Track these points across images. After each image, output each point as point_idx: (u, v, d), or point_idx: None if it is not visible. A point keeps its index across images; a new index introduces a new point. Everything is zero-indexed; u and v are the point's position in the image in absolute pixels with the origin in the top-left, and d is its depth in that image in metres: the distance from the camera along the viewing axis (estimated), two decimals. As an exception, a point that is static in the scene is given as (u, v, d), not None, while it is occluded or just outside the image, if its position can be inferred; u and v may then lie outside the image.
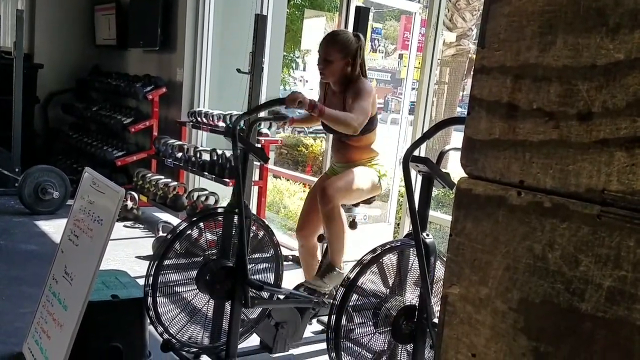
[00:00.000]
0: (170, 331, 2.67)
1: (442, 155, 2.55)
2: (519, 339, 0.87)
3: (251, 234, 2.74)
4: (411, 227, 2.14)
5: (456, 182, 1.00)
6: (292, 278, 3.31)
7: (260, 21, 3.97)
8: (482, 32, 0.94)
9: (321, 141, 9.32)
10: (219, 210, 2.89)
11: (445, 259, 1.20)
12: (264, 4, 5.07)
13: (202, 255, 2.78)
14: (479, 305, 0.93)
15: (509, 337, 0.88)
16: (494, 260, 0.91)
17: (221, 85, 5.94)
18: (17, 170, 5.63)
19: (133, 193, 5.41)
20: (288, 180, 8.00)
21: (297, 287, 3.09)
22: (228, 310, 2.69)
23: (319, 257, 3.17)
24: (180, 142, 5.45)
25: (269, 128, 3.00)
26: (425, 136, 2.33)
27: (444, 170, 2.24)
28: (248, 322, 2.88)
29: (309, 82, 23.16)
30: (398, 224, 4.82)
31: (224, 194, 5.21)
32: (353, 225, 3.04)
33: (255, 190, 4.93)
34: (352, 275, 2.35)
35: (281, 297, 2.85)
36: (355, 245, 3.34)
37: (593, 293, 0.79)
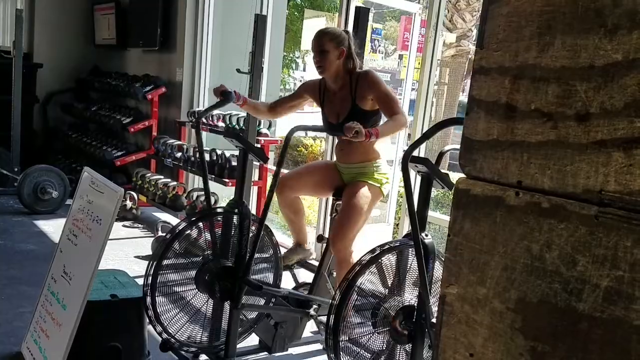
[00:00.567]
0: (169, 331, 2.67)
1: (441, 155, 2.55)
2: (516, 338, 0.88)
3: (250, 234, 2.74)
4: (410, 228, 2.15)
5: (455, 183, 1.00)
6: (291, 278, 3.31)
7: (260, 21, 3.97)
8: (480, 33, 0.94)
9: (320, 141, 9.33)
10: (219, 210, 2.89)
11: (444, 259, 1.20)
12: (263, 4, 5.07)
13: (201, 255, 2.78)
14: (476, 305, 0.93)
15: (507, 337, 0.89)
16: (491, 260, 0.91)
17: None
18: (16, 169, 5.62)
19: (132, 193, 5.41)
20: (287, 180, 7.98)
21: (296, 288, 3.09)
22: (227, 310, 2.69)
23: (303, 209, 3.17)
24: (179, 142, 5.45)
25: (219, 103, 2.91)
26: (425, 136, 2.33)
27: (443, 170, 2.24)
28: (247, 322, 2.88)
29: (308, 82, 23.10)
30: (397, 225, 4.82)
31: (223, 194, 5.21)
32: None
33: (254, 190, 4.93)
34: (351, 276, 2.35)
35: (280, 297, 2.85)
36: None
37: (590, 293, 0.79)
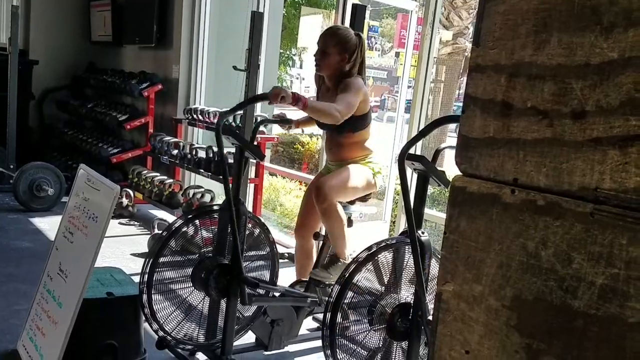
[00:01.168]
0: (166, 328, 2.67)
1: (437, 153, 2.55)
2: (512, 336, 0.88)
3: (247, 232, 2.74)
4: (406, 225, 2.15)
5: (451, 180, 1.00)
6: (288, 275, 3.32)
7: (256, 18, 3.96)
8: (477, 31, 0.94)
9: (317, 139, 9.32)
10: (215, 207, 2.89)
11: (440, 256, 1.21)
12: (260, 1, 5.06)
13: (198, 252, 2.78)
14: (472, 303, 0.93)
15: (502, 334, 0.89)
16: (487, 257, 0.91)
17: (217, 82, 5.93)
18: (11, 167, 5.61)
19: (128, 190, 5.40)
20: (284, 177, 8.00)
21: (292, 285, 3.09)
22: (223, 308, 2.69)
23: (314, 257, 3.18)
24: (176, 139, 5.44)
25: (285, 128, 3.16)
26: (421, 134, 2.33)
27: (439, 168, 2.24)
28: (243, 320, 2.88)
29: (305, 80, 23.15)
30: (394, 222, 4.83)
31: (220, 191, 5.21)
32: (349, 223, 3.05)
33: (251, 187, 4.93)
34: (347, 273, 2.35)
35: (277, 294, 2.85)
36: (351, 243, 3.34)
37: (586, 290, 0.80)
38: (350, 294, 2.36)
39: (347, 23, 4.09)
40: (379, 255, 2.37)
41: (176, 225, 2.72)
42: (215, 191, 5.03)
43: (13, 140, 5.70)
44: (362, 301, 2.39)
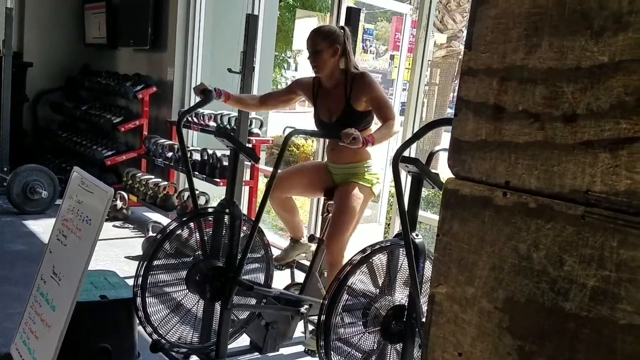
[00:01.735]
0: (160, 331, 2.67)
1: (431, 155, 2.56)
2: (504, 338, 0.88)
3: (242, 234, 2.74)
4: (401, 227, 2.15)
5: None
6: (283, 278, 3.31)
7: (251, 21, 3.97)
8: (469, 34, 0.94)
9: (312, 141, 9.32)
10: (209, 210, 2.89)
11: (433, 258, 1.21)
12: (255, 3, 5.06)
13: (192, 255, 2.77)
14: (465, 305, 0.94)
15: (495, 336, 0.89)
16: (480, 260, 0.91)
17: (212, 84, 5.89)
18: (5, 169, 5.59)
19: (123, 193, 5.39)
20: (279, 180, 7.97)
21: (287, 287, 3.09)
22: (218, 311, 2.69)
23: (298, 211, 3.19)
24: (170, 142, 5.43)
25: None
26: (415, 137, 2.34)
27: (433, 170, 2.25)
28: (238, 322, 2.88)
29: (300, 82, 23.08)
30: (388, 224, 4.84)
31: (214, 194, 5.20)
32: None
33: (246, 190, 4.93)
34: (342, 275, 2.35)
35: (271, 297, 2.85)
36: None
37: (577, 293, 0.80)
38: (344, 296, 2.36)
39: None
40: (373, 258, 2.38)
41: (170, 227, 2.71)
42: (210, 194, 5.02)
43: (7, 142, 5.68)
44: (356, 303, 2.39)
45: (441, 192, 1.01)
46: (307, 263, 3.19)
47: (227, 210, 2.70)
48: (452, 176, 0.98)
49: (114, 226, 5.16)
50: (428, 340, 1.00)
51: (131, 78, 6.08)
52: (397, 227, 3.84)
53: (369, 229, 4.89)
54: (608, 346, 0.77)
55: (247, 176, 4.91)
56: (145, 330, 2.63)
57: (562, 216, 0.82)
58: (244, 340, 2.95)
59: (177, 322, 2.73)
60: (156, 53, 5.92)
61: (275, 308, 2.82)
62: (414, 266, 2.08)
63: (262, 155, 6.40)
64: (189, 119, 5.23)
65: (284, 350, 2.97)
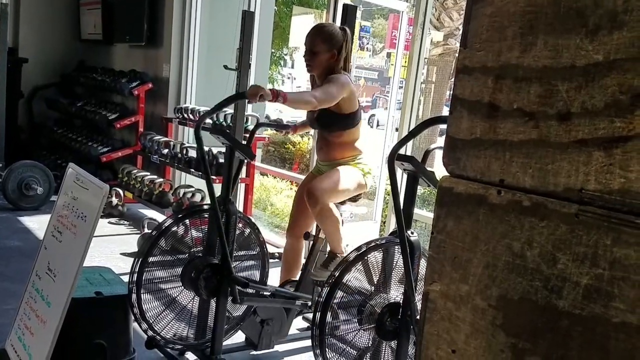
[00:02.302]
0: (155, 328, 2.67)
1: (427, 153, 2.56)
2: (497, 335, 0.88)
3: (237, 232, 2.74)
4: (396, 225, 2.16)
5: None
6: (278, 275, 3.31)
7: (247, 17, 3.96)
8: (464, 32, 0.95)
9: (308, 139, 9.32)
10: (205, 207, 2.88)
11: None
12: (251, 0, 5.05)
13: (188, 252, 2.77)
14: (459, 302, 0.94)
15: (488, 334, 0.90)
16: (474, 257, 0.92)
17: (208, 81, 5.91)
18: (0, 165, 5.56)
19: (118, 189, 5.37)
20: (275, 177, 7.99)
21: (283, 284, 3.09)
22: (213, 307, 2.69)
23: (302, 258, 3.19)
24: (166, 139, 5.42)
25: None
26: (411, 135, 2.34)
27: (429, 168, 2.25)
28: (233, 319, 2.88)
29: (297, 80, 23.14)
30: (384, 222, 4.84)
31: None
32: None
33: (242, 187, 4.93)
34: (337, 273, 2.36)
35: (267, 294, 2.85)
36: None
37: (570, 290, 0.80)
38: (340, 293, 2.36)
39: (338, 23, 4.09)
40: (368, 255, 2.38)
41: (166, 224, 2.71)
42: (206, 191, 5.01)
43: (2, 138, 5.66)
44: (351, 301, 2.40)
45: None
46: (303, 260, 3.19)
47: (222, 207, 2.70)
48: (447, 174, 0.98)
49: (110, 223, 5.15)
50: (422, 337, 1.00)
51: (127, 74, 6.06)
52: (392, 225, 3.84)
53: (365, 226, 4.90)
54: (601, 344, 0.78)
55: (243, 173, 4.91)
56: (141, 327, 2.63)
57: (556, 214, 0.82)
58: (239, 337, 2.95)
59: (172, 318, 2.73)
60: (152, 49, 5.91)
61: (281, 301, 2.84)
62: (409, 264, 2.08)
63: (259, 153, 6.39)
64: (185, 115, 5.22)
65: (279, 347, 2.97)
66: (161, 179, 5.26)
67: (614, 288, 0.77)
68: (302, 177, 3.88)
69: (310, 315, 2.87)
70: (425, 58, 4.12)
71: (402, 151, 2.51)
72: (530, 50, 0.86)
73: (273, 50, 13.14)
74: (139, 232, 4.71)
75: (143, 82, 5.85)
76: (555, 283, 0.82)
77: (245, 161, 2.94)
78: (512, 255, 0.87)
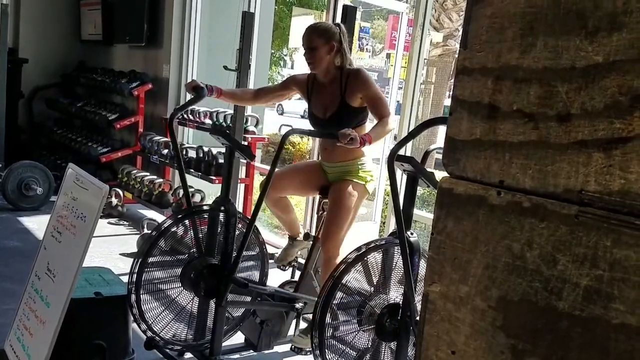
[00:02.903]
0: (154, 329, 2.66)
1: (427, 154, 2.56)
2: (497, 336, 0.88)
3: (237, 232, 2.73)
4: (396, 226, 2.16)
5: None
6: (278, 276, 3.31)
7: (247, 18, 3.96)
8: (464, 33, 0.95)
9: (308, 140, 9.32)
10: (205, 207, 2.88)
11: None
12: (251, 1, 5.05)
13: (187, 252, 2.77)
14: (459, 303, 0.94)
15: (488, 335, 0.90)
16: (474, 258, 0.92)
17: (208, 82, 5.88)
18: (0, 165, 5.56)
19: (118, 190, 5.37)
20: (274, 178, 7.97)
21: (282, 285, 3.09)
22: (212, 308, 2.69)
23: (294, 209, 3.19)
24: (166, 139, 5.42)
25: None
26: (410, 135, 2.34)
27: (429, 169, 2.25)
28: (233, 320, 2.88)
29: (296, 80, 23.06)
30: (384, 223, 4.84)
31: (210, 191, 5.19)
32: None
33: (241, 188, 4.92)
34: (336, 274, 2.35)
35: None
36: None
37: (570, 292, 0.80)
38: (339, 294, 2.36)
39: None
40: (368, 256, 2.38)
41: (166, 225, 2.71)
42: (206, 191, 5.02)
43: (2, 138, 5.66)
44: (351, 302, 2.40)
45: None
46: (302, 261, 3.19)
47: (222, 208, 2.70)
48: (447, 175, 0.98)
49: (109, 223, 5.15)
50: (422, 338, 1.00)
51: (127, 75, 6.06)
52: (392, 225, 3.84)
53: (364, 227, 4.90)
54: (601, 345, 0.78)
55: (242, 174, 4.91)
56: (140, 328, 2.63)
57: (556, 215, 0.82)
58: (238, 338, 2.95)
59: (171, 319, 2.73)
60: (152, 50, 5.91)
61: (270, 304, 2.82)
62: (408, 265, 2.08)
63: (258, 153, 6.39)
64: (184, 116, 5.22)
65: (278, 348, 2.97)
66: (161, 180, 5.26)
67: (614, 289, 0.77)
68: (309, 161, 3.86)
69: (310, 316, 2.87)
70: (424, 59, 4.12)
71: (401, 152, 2.51)
72: (530, 52, 0.86)
73: (273, 51, 13.15)
74: (138, 232, 4.70)
75: (143, 82, 5.85)
76: (555, 284, 0.82)
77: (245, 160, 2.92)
78: (512, 257, 0.87)
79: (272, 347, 2.90)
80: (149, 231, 3.41)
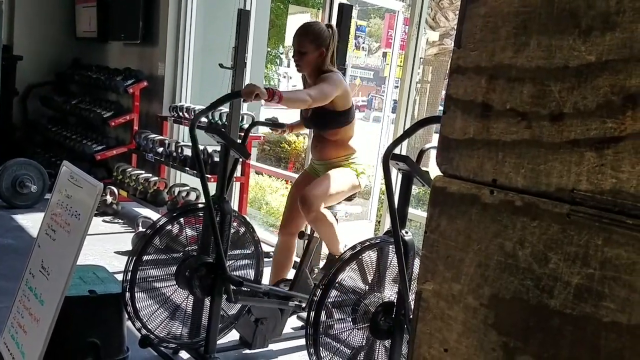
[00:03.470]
0: (149, 327, 2.66)
1: (422, 153, 2.57)
2: (489, 334, 0.89)
3: (232, 230, 2.73)
4: (391, 225, 2.16)
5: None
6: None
7: (243, 16, 3.96)
8: (458, 32, 0.95)
9: (304, 138, 9.32)
10: (200, 205, 2.88)
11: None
12: (247, -1, 5.05)
13: (182, 250, 2.77)
14: (451, 301, 0.94)
15: (480, 333, 0.90)
16: (466, 257, 0.92)
17: (203, 80, 5.90)
18: (-6, 163, 5.54)
19: (113, 188, 5.36)
20: (270, 176, 7.99)
21: (277, 284, 3.09)
22: (207, 306, 2.69)
23: (293, 258, 3.19)
24: (161, 137, 5.41)
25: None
26: (406, 134, 2.34)
27: (424, 168, 2.26)
28: (227, 318, 2.88)
29: (293, 78, 23.12)
30: (379, 222, 4.84)
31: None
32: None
33: (237, 186, 4.92)
34: (331, 272, 2.36)
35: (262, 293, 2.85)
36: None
37: (561, 290, 0.81)
38: (334, 292, 2.37)
39: (333, 22, 4.09)
40: (363, 255, 2.38)
41: (160, 223, 2.71)
42: (200, 190, 5.01)
43: (-4, 136, 5.64)
44: (346, 300, 2.40)
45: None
46: (298, 259, 3.19)
47: (217, 206, 2.70)
48: (440, 174, 0.98)
49: (104, 221, 5.13)
50: (415, 336, 1.00)
51: (122, 72, 6.04)
52: (387, 224, 3.85)
53: (360, 226, 4.91)
54: (591, 343, 0.78)
55: (238, 172, 4.90)
56: (134, 325, 2.62)
57: (548, 214, 0.82)
58: (233, 336, 2.95)
59: (166, 317, 2.73)
60: (147, 47, 5.89)
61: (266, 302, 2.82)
62: (403, 263, 2.08)
63: (254, 152, 6.39)
64: (180, 114, 5.21)
65: (273, 346, 2.97)
66: (156, 178, 5.25)
67: (605, 288, 0.77)
68: (297, 176, 3.88)
69: (304, 314, 2.87)
70: (420, 58, 4.13)
71: (397, 151, 2.51)
72: (524, 51, 0.86)
73: (269, 49, 13.14)
74: (133, 230, 4.70)
75: (138, 80, 5.83)
76: (546, 282, 0.82)
77: (240, 160, 2.94)
78: (504, 255, 0.87)
79: (266, 345, 2.90)
80: (144, 229, 3.40)
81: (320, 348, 2.34)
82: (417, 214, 4.00)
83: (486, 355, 0.89)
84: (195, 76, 5.78)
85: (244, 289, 2.68)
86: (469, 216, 0.92)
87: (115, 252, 4.30)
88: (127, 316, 2.60)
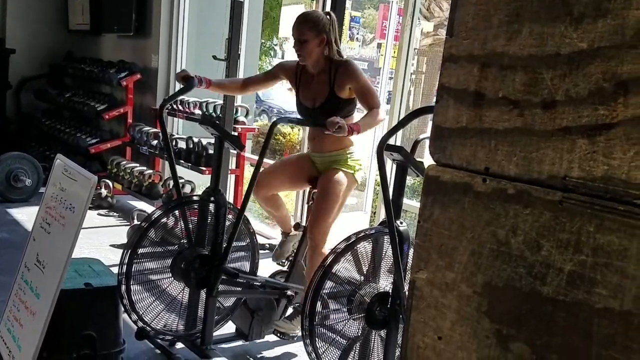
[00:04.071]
0: (145, 319, 2.67)
1: (416, 144, 2.56)
2: (482, 321, 0.89)
3: (227, 222, 2.73)
4: (385, 215, 2.16)
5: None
6: (268, 266, 3.32)
7: (236, 7, 3.94)
8: (450, 21, 0.95)
9: (298, 130, 9.31)
10: (195, 198, 2.88)
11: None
12: (240, -10, 5.02)
13: (177, 243, 2.77)
14: (445, 290, 0.95)
15: (474, 320, 0.90)
16: (459, 245, 0.92)
17: (197, 72, 5.83)
18: (-12, 157, 5.51)
19: (107, 181, 5.35)
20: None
21: (273, 275, 3.10)
22: (203, 298, 2.69)
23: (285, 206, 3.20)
24: (155, 130, 5.39)
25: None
26: (400, 125, 2.34)
27: (418, 159, 2.26)
28: (223, 310, 2.89)
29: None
30: (374, 213, 4.85)
31: (200, 182, 5.18)
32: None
33: (231, 178, 4.92)
34: (326, 263, 2.36)
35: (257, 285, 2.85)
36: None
37: (554, 277, 0.81)
38: (329, 283, 2.37)
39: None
40: (358, 246, 2.39)
41: (155, 215, 2.70)
42: (196, 182, 5.00)
43: (-11, 130, 5.61)
44: (341, 291, 2.41)
45: (423, 179, 1.02)
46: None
47: (212, 199, 2.69)
48: (434, 163, 0.98)
49: (99, 214, 5.13)
50: (409, 324, 1.01)
51: (115, 65, 6.01)
52: (382, 215, 3.85)
53: (355, 217, 4.91)
54: (584, 330, 0.79)
55: (232, 164, 4.90)
56: (130, 318, 2.63)
57: (540, 202, 0.83)
58: (229, 327, 2.95)
59: (162, 309, 2.73)
60: (140, 40, 5.86)
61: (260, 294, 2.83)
62: (398, 254, 2.09)
63: (248, 144, 6.38)
64: (174, 106, 5.19)
65: (269, 337, 2.98)
66: (150, 171, 5.23)
67: (597, 274, 0.77)
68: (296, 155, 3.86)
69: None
70: (415, 48, 4.12)
71: (391, 141, 2.51)
72: (516, 39, 0.86)
73: (263, 41, 13.08)
74: (128, 223, 4.69)
75: (132, 72, 5.81)
76: (539, 270, 0.83)
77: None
78: (497, 243, 0.87)
79: (263, 336, 2.91)
80: (139, 222, 3.40)
81: (316, 338, 2.35)
82: (412, 204, 4.01)
83: (480, 343, 0.90)
84: (188, 68, 5.71)
85: (239, 280, 2.69)
86: (462, 205, 0.92)
87: (110, 245, 4.30)
88: (123, 309, 2.60)
